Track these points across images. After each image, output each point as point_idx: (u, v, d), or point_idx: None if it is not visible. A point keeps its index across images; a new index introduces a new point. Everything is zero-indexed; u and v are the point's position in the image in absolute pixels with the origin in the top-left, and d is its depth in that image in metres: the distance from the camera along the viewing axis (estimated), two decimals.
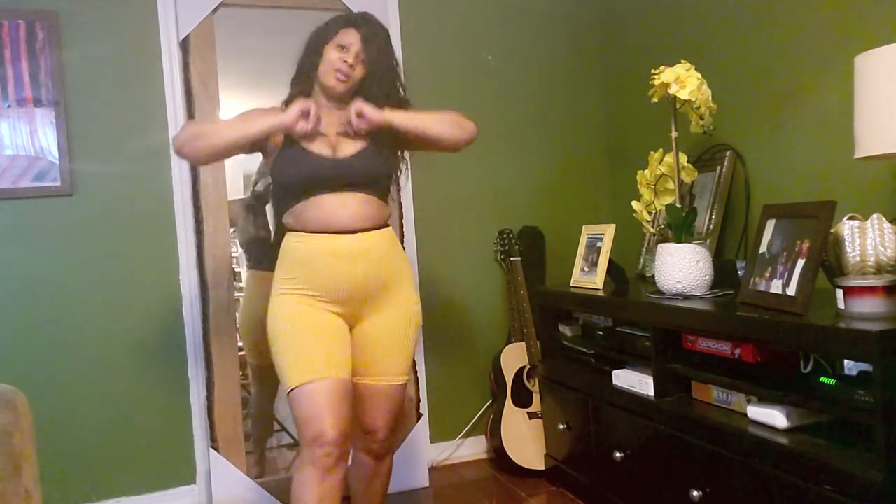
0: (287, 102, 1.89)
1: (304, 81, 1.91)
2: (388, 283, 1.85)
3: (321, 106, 1.86)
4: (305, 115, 1.76)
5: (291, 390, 1.71)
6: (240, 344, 3.39)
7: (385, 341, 1.87)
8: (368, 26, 1.86)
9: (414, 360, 2.84)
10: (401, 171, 1.96)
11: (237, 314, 2.73)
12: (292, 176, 1.80)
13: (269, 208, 2.84)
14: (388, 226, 1.90)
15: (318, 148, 1.81)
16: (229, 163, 2.71)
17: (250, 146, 1.84)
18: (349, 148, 1.82)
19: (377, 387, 1.87)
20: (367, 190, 1.82)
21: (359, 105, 1.79)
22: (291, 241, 1.83)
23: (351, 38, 1.83)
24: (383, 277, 1.84)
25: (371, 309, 1.85)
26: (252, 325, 2.88)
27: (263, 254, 2.87)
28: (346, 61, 1.82)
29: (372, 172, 1.82)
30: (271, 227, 2.60)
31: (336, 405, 1.70)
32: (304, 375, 1.70)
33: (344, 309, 1.82)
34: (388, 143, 1.87)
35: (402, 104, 1.90)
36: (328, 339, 1.77)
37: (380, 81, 1.85)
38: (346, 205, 1.79)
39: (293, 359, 1.73)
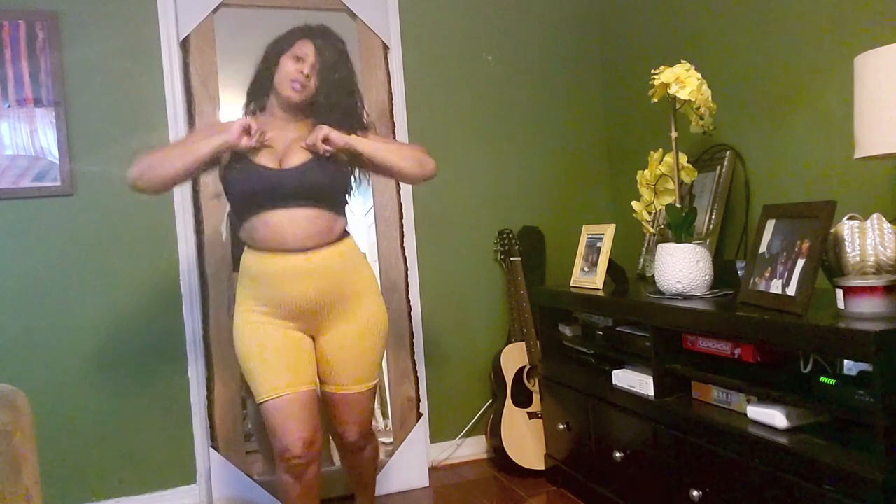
0: (246, 107, 1.96)
1: (259, 90, 1.95)
2: (343, 295, 1.88)
3: (276, 117, 1.92)
4: (247, 130, 1.80)
5: (260, 404, 1.83)
6: None
7: (346, 352, 1.91)
8: (325, 38, 1.89)
9: (413, 361, 2.84)
10: (351, 188, 1.98)
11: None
12: (239, 188, 1.84)
13: None
14: (343, 238, 1.91)
15: (265, 160, 1.83)
16: None
17: (205, 166, 1.86)
18: (295, 159, 1.84)
19: (341, 395, 1.95)
20: (316, 204, 1.84)
21: (325, 131, 1.82)
22: (246, 259, 1.89)
23: (307, 49, 1.86)
24: (337, 291, 1.87)
25: (330, 321, 1.89)
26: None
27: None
28: (301, 72, 1.85)
29: (317, 184, 1.83)
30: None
31: (300, 417, 1.81)
32: (269, 392, 1.81)
33: (301, 324, 1.87)
34: (341, 159, 1.89)
35: (358, 122, 1.93)
36: (289, 354, 1.85)
37: (329, 94, 1.87)
38: (294, 221, 1.81)
39: (258, 376, 1.83)
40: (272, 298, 1.83)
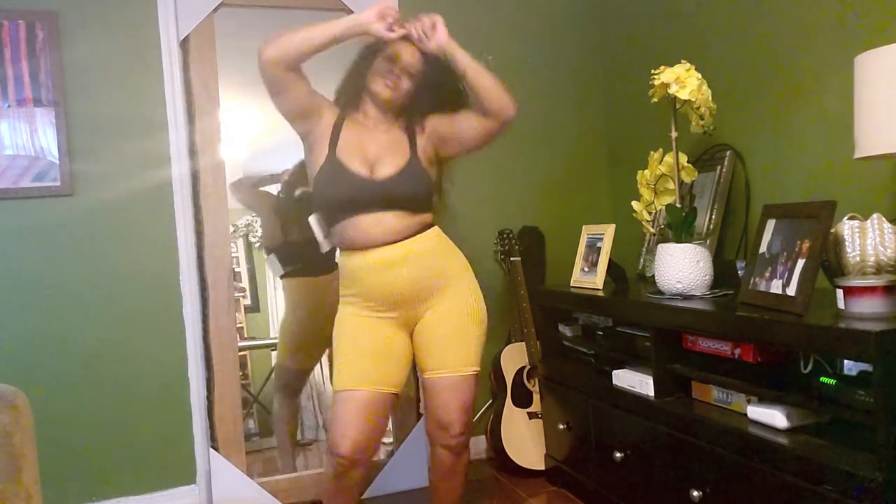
0: (337, 101, 1.97)
1: (351, 88, 1.96)
2: (436, 280, 1.91)
3: (368, 117, 1.94)
4: (384, 16, 1.81)
5: (335, 392, 1.88)
6: (244, 343, 3.44)
7: (445, 333, 1.92)
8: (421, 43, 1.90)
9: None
10: (440, 185, 2.02)
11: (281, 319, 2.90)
12: (329, 194, 1.87)
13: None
14: (430, 227, 1.94)
15: (357, 166, 1.85)
16: (229, 164, 2.72)
17: (294, 107, 1.87)
18: (388, 166, 1.86)
19: (444, 379, 1.92)
20: (403, 208, 1.87)
21: (434, 18, 1.84)
22: (342, 259, 1.94)
23: (401, 49, 1.88)
24: (432, 276, 1.90)
25: (428, 306, 1.92)
26: (289, 331, 2.98)
27: (289, 260, 2.96)
28: (392, 71, 1.88)
29: (409, 194, 1.87)
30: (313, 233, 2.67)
31: (361, 418, 1.84)
32: (345, 383, 1.86)
33: (399, 312, 1.90)
34: (427, 154, 1.93)
35: (462, 98, 1.94)
36: (376, 352, 1.89)
37: (428, 82, 1.90)
38: (381, 221, 1.85)
39: (342, 365, 1.88)
40: (368, 291, 1.88)
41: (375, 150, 1.89)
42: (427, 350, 1.93)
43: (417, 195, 1.89)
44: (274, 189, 3.06)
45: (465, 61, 1.85)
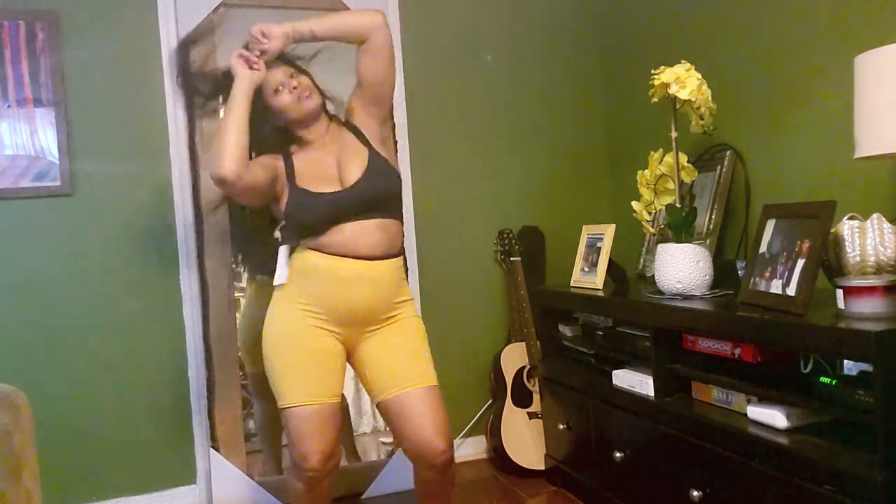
0: (271, 150, 1.92)
1: (270, 131, 1.92)
2: (390, 308, 1.88)
3: (307, 144, 1.90)
4: (243, 59, 1.81)
5: (284, 408, 1.80)
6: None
7: (401, 350, 1.87)
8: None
9: None
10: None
11: (237, 323, 2.71)
12: (308, 220, 1.81)
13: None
14: (400, 255, 1.91)
15: (322, 187, 1.82)
16: None
17: (266, 190, 1.83)
18: (353, 172, 1.83)
19: (410, 393, 1.81)
20: (384, 213, 1.84)
21: (258, 26, 1.82)
22: (308, 257, 1.83)
23: (278, 75, 1.84)
24: (386, 304, 1.86)
25: (373, 331, 1.87)
26: (253, 335, 2.88)
27: (263, 262, 2.85)
28: (286, 87, 1.83)
29: (383, 192, 1.84)
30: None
31: (323, 430, 1.79)
32: (297, 397, 1.79)
33: (344, 330, 1.85)
34: (374, 131, 1.89)
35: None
36: (323, 363, 1.82)
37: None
38: (366, 231, 1.81)
39: (288, 378, 1.80)
40: (327, 301, 1.81)
41: (333, 162, 1.86)
42: (381, 370, 1.85)
43: (389, 190, 1.85)
44: None
45: (305, 29, 1.82)
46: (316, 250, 1.82)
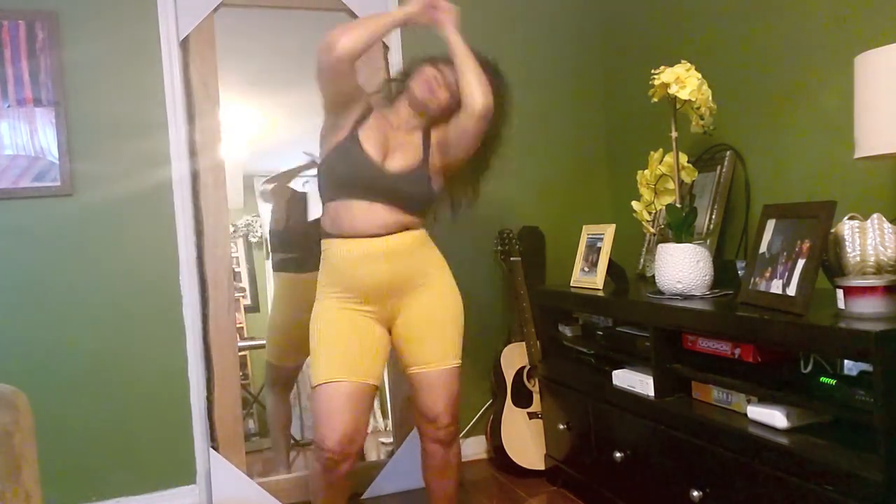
0: (377, 92, 2.08)
1: (396, 84, 2.06)
2: (417, 278, 1.93)
3: (398, 114, 1.99)
4: (432, 4, 1.92)
5: (314, 387, 1.87)
6: (244, 343, 3.43)
7: (425, 328, 1.95)
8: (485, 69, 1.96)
9: None
10: (431, 203, 2.01)
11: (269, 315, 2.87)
12: (338, 170, 1.89)
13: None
14: (416, 228, 1.96)
15: (372, 150, 1.89)
16: (229, 164, 2.72)
17: (344, 89, 1.89)
18: (398, 162, 1.91)
19: (429, 373, 1.94)
20: (398, 204, 1.89)
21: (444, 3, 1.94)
22: (325, 248, 1.94)
23: (451, 70, 1.95)
24: (411, 274, 1.92)
25: (406, 303, 1.94)
26: (277, 327, 2.96)
27: (288, 255, 2.99)
28: (436, 77, 1.94)
29: (409, 193, 1.90)
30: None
31: (347, 409, 1.83)
32: (325, 375, 1.85)
33: (377, 307, 1.92)
34: (434, 164, 1.97)
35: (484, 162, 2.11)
36: (354, 344, 1.89)
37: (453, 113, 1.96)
38: (374, 211, 1.87)
39: (319, 358, 1.88)
40: (348, 282, 1.88)
41: (393, 145, 1.94)
42: (408, 346, 1.96)
43: (414, 196, 1.91)
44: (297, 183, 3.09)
45: (458, 46, 1.91)
46: (330, 235, 1.91)
